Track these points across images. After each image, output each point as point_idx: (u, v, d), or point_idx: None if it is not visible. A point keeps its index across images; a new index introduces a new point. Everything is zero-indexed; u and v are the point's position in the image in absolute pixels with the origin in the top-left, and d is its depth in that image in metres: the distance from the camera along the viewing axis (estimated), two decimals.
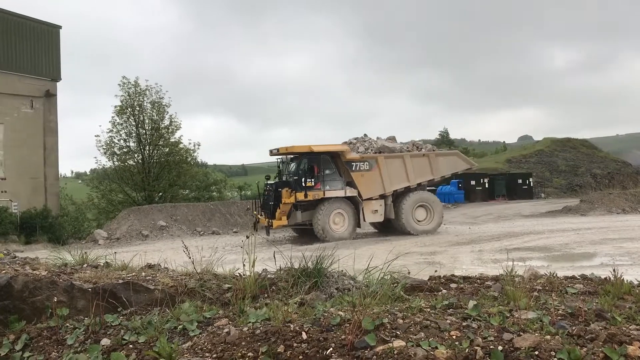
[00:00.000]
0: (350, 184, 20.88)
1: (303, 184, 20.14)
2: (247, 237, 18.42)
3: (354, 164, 20.93)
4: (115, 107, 31.80)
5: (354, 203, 20.81)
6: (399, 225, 21.52)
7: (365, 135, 23.31)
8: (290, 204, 20.04)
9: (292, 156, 22.13)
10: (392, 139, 23.47)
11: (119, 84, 31.92)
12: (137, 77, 32.05)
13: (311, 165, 20.44)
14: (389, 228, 22.16)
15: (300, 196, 19.92)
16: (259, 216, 21.58)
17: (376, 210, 21.39)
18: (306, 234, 21.03)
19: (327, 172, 20.57)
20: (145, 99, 32.07)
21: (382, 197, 21.40)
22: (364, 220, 21.11)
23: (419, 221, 21.72)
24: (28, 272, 4.77)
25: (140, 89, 31.87)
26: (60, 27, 28.54)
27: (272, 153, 21.75)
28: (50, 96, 27.16)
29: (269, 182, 22.40)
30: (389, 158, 21.55)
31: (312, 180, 20.26)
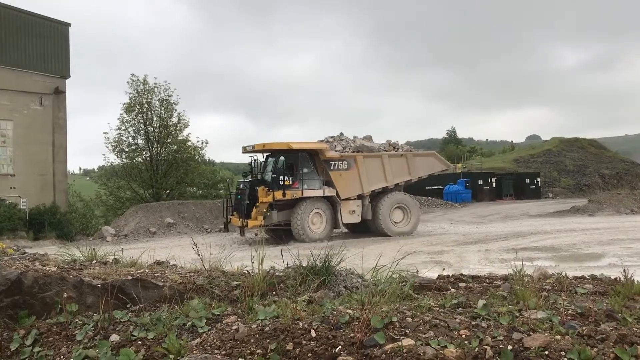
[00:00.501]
0: (328, 183, 20.28)
1: (280, 183, 19.48)
2: (256, 234, 17.72)
3: (333, 163, 20.36)
4: (124, 104, 31.92)
5: (332, 203, 20.22)
6: (375, 227, 20.91)
7: (341, 133, 22.65)
8: (267, 204, 19.32)
9: (267, 154, 21.57)
10: (369, 138, 22.80)
11: (127, 82, 32.03)
12: (146, 75, 32.00)
13: (290, 163, 19.82)
14: (363, 229, 21.32)
15: (279, 195, 19.22)
16: (230, 216, 20.79)
17: (353, 211, 20.81)
18: (279, 234, 19.87)
19: (305, 170, 19.93)
20: (153, 96, 32.15)
21: (360, 197, 20.86)
22: (342, 221, 20.44)
23: (396, 223, 21.18)
24: (38, 268, 4.80)
25: (148, 86, 31.97)
26: (69, 24, 28.65)
27: (245, 150, 21.00)
28: (59, 93, 27.27)
29: (242, 180, 21.71)
30: (367, 157, 21.02)
31: (290, 179, 19.61)
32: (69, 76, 28.09)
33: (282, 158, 19.99)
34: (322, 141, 21.82)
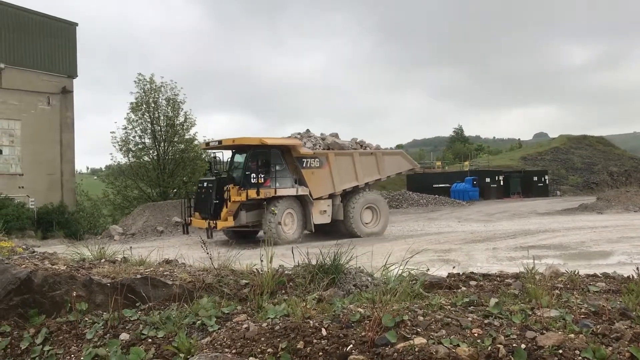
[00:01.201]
0: (299, 181, 19.28)
1: (252, 181, 18.33)
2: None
3: (305, 160, 19.38)
4: (131, 103, 31.99)
5: (303, 203, 19.21)
6: (345, 227, 20.02)
7: (308, 130, 21.67)
8: (239, 203, 18.11)
9: (232, 150, 20.35)
10: (335, 135, 22.11)
11: (134, 81, 32.09)
12: (152, 74, 32.06)
13: (265, 159, 18.68)
14: (329, 230, 20.04)
15: (252, 194, 18.01)
16: (190, 218, 19.35)
17: (324, 211, 19.87)
18: (241, 237, 19.19)
19: (277, 168, 18.86)
20: (160, 95, 32.19)
21: (331, 197, 20.02)
22: (313, 221, 19.34)
23: (366, 223, 20.50)
24: (47, 267, 4.80)
25: (155, 85, 32.03)
26: (76, 24, 28.75)
27: (208, 146, 19.95)
28: (66, 93, 27.38)
29: (204, 178, 20.35)
30: (339, 155, 20.23)
31: (263, 176, 18.51)
32: (77, 76, 28.19)
33: (254, 154, 18.78)
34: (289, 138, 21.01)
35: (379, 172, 21.29)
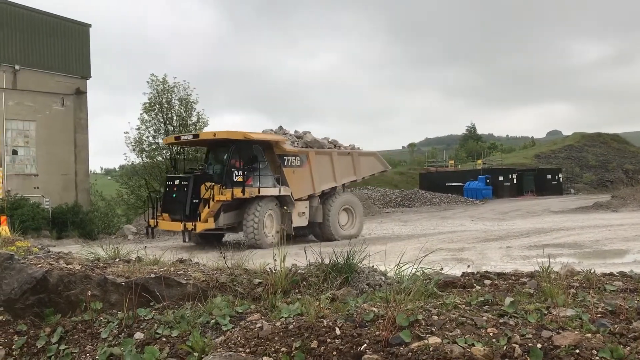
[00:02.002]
0: (280, 181, 17.94)
1: (234, 178, 16.82)
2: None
3: (286, 158, 18.18)
4: (144, 104, 32.17)
5: (282, 204, 17.67)
6: (322, 231, 18.87)
7: (281, 127, 20.29)
8: (221, 203, 16.53)
9: (208, 145, 18.97)
10: (308, 133, 20.63)
11: (147, 82, 32.27)
12: (165, 75, 32.21)
13: (248, 156, 17.22)
14: (301, 234, 19.10)
15: (238, 193, 16.46)
16: (155, 220, 17.54)
17: (303, 213, 18.55)
18: (206, 240, 17.73)
19: (260, 165, 17.49)
20: (173, 96, 32.35)
21: (309, 198, 18.83)
22: (292, 224, 17.89)
23: (342, 226, 19.49)
24: (62, 267, 4.83)
25: (168, 86, 32.18)
26: (90, 25, 28.96)
27: (178, 140, 18.66)
28: (80, 94, 27.59)
29: (173, 175, 18.28)
30: (319, 154, 19.15)
31: (245, 174, 17.01)
32: (90, 76, 28.41)
33: (238, 149, 17.25)
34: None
35: (355, 173, 20.47)
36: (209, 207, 16.48)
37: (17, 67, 25.13)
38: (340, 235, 18.87)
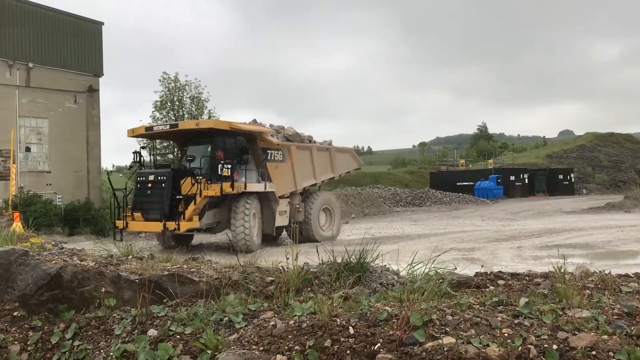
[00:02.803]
0: (263, 176, 16.31)
1: (219, 172, 15.30)
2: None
3: (270, 152, 16.75)
4: (155, 102, 32.30)
5: (266, 201, 16.38)
6: (304, 230, 17.34)
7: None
8: (207, 200, 14.99)
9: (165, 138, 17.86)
10: (290, 127, 19.25)
11: (159, 80, 32.43)
12: (177, 73, 32.36)
13: (234, 148, 15.68)
14: (274, 236, 17.65)
15: (227, 188, 14.87)
16: (124, 221, 15.60)
17: (285, 212, 17.14)
18: (177, 242, 15.79)
19: (244, 158, 15.91)
20: (184, 94, 32.49)
21: (290, 195, 17.50)
22: (274, 223, 16.57)
23: (322, 226, 18.34)
24: (76, 263, 4.87)
25: (179, 84, 32.33)
26: (102, 23, 29.08)
27: (151, 131, 16.73)
28: (93, 91, 27.73)
29: (147, 171, 16.39)
30: (300, 149, 17.92)
31: (229, 168, 15.51)
32: (103, 74, 28.54)
33: (224, 141, 15.74)
34: None
35: (332, 170, 19.47)
36: (194, 204, 14.84)
37: (30, 64, 25.29)
38: (320, 236, 17.76)
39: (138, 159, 16.49)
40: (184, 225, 14.71)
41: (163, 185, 15.17)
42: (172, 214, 14.98)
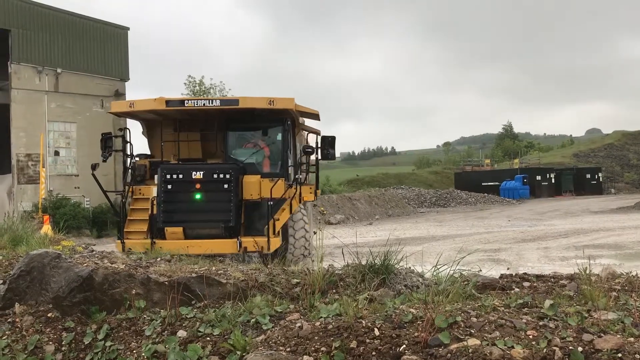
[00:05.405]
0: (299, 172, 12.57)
1: (288, 168, 11.68)
2: (315, 233, 12.60)
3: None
4: None
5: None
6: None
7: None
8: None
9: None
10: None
11: (184, 83, 32.78)
12: (202, 76, 32.70)
13: (331, 137, 11.85)
14: None
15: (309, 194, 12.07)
16: (151, 239, 10.38)
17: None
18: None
19: (309, 151, 11.95)
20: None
21: None
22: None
23: None
24: (107, 266, 4.98)
25: (205, 87, 32.64)
26: (128, 28, 29.53)
27: (174, 108, 11.27)
28: (119, 95, 28.15)
29: (186, 165, 11.28)
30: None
31: (306, 164, 12.06)
32: (128, 79, 28.97)
33: (286, 128, 11.83)
34: None
35: None
36: (290, 211, 11.32)
37: (59, 70, 25.81)
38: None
39: (105, 149, 12.05)
40: (274, 243, 10.53)
41: (227, 186, 10.65)
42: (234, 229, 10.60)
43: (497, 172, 52.36)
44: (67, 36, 26.55)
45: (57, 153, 26.32)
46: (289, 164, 11.78)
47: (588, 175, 49.95)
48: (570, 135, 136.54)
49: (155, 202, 10.73)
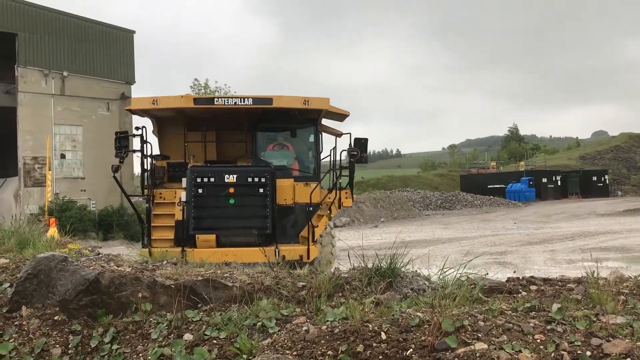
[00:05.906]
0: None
1: (338, 171, 10.67)
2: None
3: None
4: None
5: None
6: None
7: None
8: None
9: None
10: None
11: (190, 86, 32.89)
12: (207, 79, 32.77)
13: (364, 140, 10.40)
14: None
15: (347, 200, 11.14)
16: (182, 246, 9.75)
17: None
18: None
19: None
20: None
21: None
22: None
23: None
24: (113, 269, 4.99)
25: (210, 90, 32.72)
26: (134, 32, 29.66)
27: (203, 106, 10.65)
28: (125, 98, 28.25)
29: (222, 167, 10.67)
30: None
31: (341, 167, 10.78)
32: (135, 82, 29.09)
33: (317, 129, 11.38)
34: None
35: None
36: (329, 218, 10.93)
37: (65, 73, 25.95)
38: None
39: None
40: (314, 251, 9.98)
41: (262, 190, 9.96)
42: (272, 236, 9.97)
43: (502, 174, 52.24)
44: (73, 40, 26.69)
45: (63, 156, 26.44)
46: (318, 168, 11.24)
47: (594, 178, 49.78)
48: (577, 137, 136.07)
49: (182, 207, 9.91)
